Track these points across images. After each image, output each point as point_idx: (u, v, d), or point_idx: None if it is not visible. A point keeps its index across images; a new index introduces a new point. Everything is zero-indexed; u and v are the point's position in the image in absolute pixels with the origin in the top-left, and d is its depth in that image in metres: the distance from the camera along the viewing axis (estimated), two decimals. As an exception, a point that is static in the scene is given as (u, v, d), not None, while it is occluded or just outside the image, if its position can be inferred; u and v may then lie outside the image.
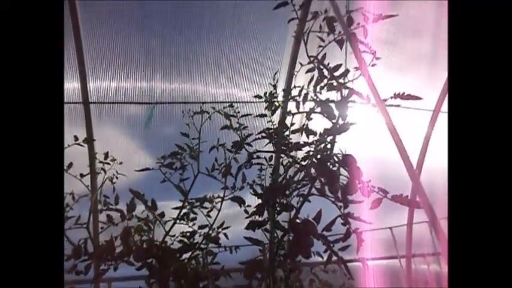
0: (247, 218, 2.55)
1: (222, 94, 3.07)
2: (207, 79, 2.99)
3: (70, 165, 2.32)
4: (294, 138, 2.31)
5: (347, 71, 2.05)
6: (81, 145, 2.29)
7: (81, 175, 2.44)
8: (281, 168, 2.42)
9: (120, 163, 2.63)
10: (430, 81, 3.96)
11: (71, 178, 2.38)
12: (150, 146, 3.52)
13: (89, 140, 2.51)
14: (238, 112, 2.34)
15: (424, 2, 3.37)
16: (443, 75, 3.84)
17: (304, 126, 2.14)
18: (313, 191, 2.32)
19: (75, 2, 2.75)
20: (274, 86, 2.32)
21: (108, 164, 2.58)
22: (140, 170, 2.31)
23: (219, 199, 2.68)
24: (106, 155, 2.57)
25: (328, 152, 2.12)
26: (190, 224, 2.42)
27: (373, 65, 1.96)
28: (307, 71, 2.42)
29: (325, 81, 2.15)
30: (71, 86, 3.02)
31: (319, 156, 2.19)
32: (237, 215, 2.80)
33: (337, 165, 2.09)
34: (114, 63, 3.11)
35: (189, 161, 2.59)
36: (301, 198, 2.41)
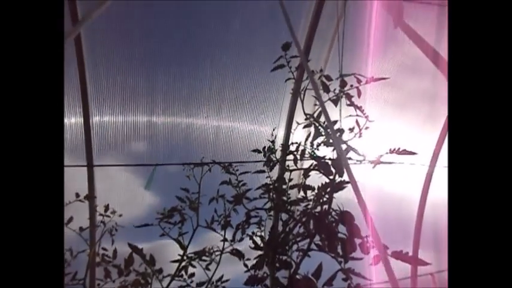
0: (246, 272, 2.52)
1: (220, 148, 3.15)
2: (209, 113, 3.06)
3: (70, 219, 2.35)
4: (292, 193, 2.34)
5: (342, 130, 2.12)
6: (82, 201, 2.33)
7: (81, 229, 2.45)
8: (280, 221, 2.43)
9: (120, 215, 2.64)
10: (431, 117, 4.03)
11: (70, 232, 2.39)
12: (141, 177, 3.49)
13: (90, 197, 2.55)
14: (237, 170, 2.39)
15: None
16: (443, 112, 3.91)
17: (302, 183, 2.18)
18: (313, 246, 2.31)
19: (81, 47, 2.84)
20: (273, 142, 2.39)
21: (108, 216, 2.59)
22: (140, 226, 2.32)
23: (219, 252, 2.65)
24: (106, 208, 2.59)
25: (326, 208, 2.14)
26: (189, 281, 2.38)
27: (366, 128, 2.03)
28: (305, 127, 2.50)
29: (322, 138, 2.22)
30: (73, 121, 3.05)
31: (318, 211, 2.20)
32: (237, 262, 2.75)
33: (334, 223, 2.10)
34: (116, 98, 3.15)
35: (188, 213, 2.60)
36: (300, 253, 2.40)
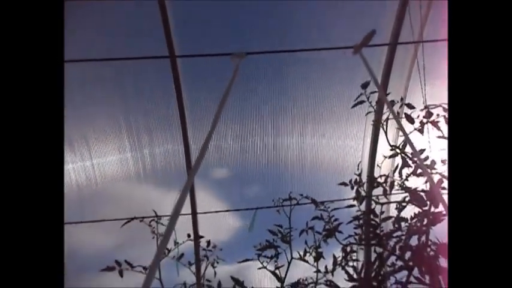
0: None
1: (307, 182, 3.27)
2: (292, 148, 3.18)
3: (181, 255, 2.68)
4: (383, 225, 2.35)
5: (433, 161, 2.10)
6: (191, 240, 2.65)
7: (190, 263, 2.76)
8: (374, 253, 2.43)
9: (221, 249, 2.91)
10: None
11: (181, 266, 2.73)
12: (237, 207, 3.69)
13: (197, 238, 2.88)
14: (329, 207, 2.49)
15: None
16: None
17: (396, 216, 2.18)
18: (412, 278, 2.27)
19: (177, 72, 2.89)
20: (359, 175, 2.44)
21: (211, 251, 2.88)
22: (242, 262, 2.54)
23: (313, 283, 2.73)
24: (208, 243, 2.88)
25: (424, 241, 2.11)
26: (289, 313, 2.50)
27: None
28: (390, 157, 2.51)
29: (411, 169, 2.21)
30: (177, 148, 3.28)
31: (415, 244, 2.17)
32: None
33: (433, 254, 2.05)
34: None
35: (281, 246, 2.75)
36: (398, 286, 2.36)
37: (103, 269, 2.45)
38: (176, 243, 2.60)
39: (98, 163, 3.38)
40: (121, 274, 2.46)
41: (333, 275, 2.55)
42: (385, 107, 2.48)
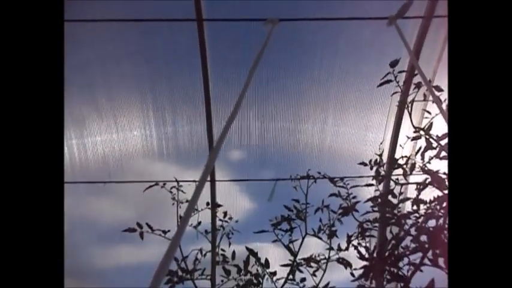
0: (353, 281, 2.60)
1: (325, 160, 3.27)
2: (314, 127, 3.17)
3: (199, 223, 2.78)
4: (401, 206, 2.35)
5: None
6: (209, 208, 2.73)
7: (206, 232, 2.86)
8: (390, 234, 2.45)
9: (236, 221, 2.98)
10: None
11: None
12: (250, 189, 3.75)
13: (215, 206, 2.95)
14: (348, 184, 2.50)
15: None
16: None
17: (416, 197, 2.18)
18: (426, 260, 2.28)
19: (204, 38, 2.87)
20: (380, 155, 2.43)
21: (227, 222, 2.95)
22: (257, 232, 2.60)
23: (325, 259, 2.79)
24: (225, 214, 2.96)
25: (441, 223, 2.10)
26: (301, 284, 2.57)
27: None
28: (413, 139, 2.48)
29: (435, 151, 2.19)
30: (198, 128, 3.34)
31: (432, 226, 2.17)
32: (343, 270, 2.83)
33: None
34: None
35: (296, 222, 2.80)
36: (411, 267, 2.38)
37: (125, 229, 2.57)
38: (195, 210, 2.68)
39: (123, 137, 3.46)
40: (141, 236, 2.57)
41: (347, 249, 2.59)
42: (411, 88, 2.44)
